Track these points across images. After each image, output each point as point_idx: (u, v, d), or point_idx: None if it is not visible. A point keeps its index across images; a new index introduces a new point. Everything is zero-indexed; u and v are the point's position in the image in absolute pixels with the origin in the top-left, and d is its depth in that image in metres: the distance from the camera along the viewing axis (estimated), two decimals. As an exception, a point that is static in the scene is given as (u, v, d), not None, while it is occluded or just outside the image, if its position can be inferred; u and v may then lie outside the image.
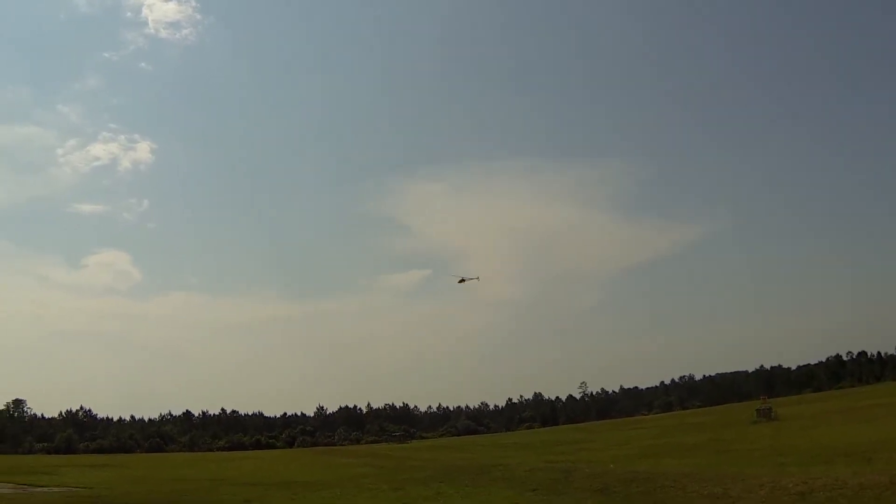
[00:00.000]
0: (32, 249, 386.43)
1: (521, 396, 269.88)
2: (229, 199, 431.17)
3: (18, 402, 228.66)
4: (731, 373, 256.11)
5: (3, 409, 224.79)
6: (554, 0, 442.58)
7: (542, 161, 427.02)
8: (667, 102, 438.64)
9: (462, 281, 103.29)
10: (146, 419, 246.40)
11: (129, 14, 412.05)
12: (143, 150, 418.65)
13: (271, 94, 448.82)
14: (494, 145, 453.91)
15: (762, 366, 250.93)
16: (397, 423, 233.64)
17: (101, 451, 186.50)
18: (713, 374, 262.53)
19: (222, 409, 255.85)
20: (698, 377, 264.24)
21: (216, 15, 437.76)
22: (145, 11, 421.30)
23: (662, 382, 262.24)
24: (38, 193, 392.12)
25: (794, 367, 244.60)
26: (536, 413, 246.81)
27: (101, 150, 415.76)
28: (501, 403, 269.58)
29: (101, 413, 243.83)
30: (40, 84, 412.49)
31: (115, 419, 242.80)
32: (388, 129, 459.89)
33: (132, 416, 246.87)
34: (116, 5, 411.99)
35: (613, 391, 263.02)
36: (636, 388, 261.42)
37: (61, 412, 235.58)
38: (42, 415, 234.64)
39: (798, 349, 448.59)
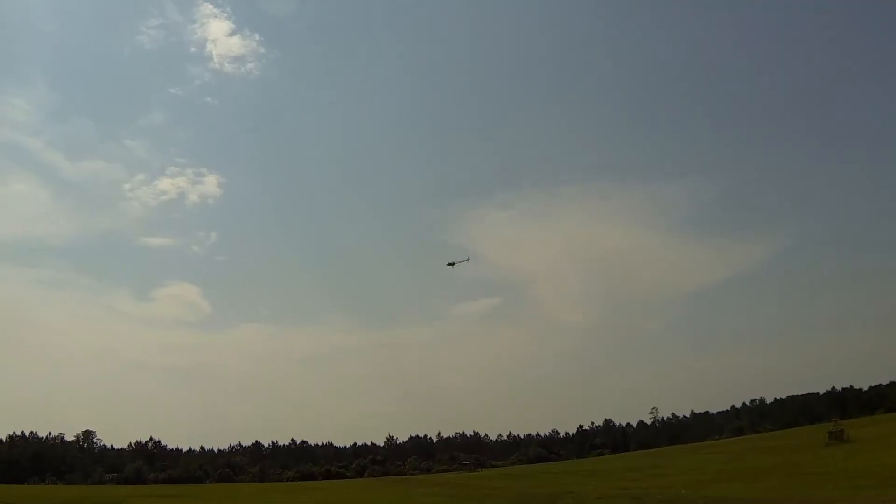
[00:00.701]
0: (103, 283, 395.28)
1: (592, 423, 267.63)
2: (297, 229, 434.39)
3: (88, 434, 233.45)
4: (801, 395, 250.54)
5: (73, 440, 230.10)
6: (610, 25, 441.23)
7: (607, 185, 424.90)
8: (728, 122, 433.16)
9: (452, 264, 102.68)
10: (216, 450, 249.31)
11: (193, 49, 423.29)
12: (211, 183, 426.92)
13: (336, 125, 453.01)
14: (560, 171, 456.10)
15: (833, 387, 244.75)
16: (468, 451, 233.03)
17: (170, 481, 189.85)
18: (783, 396, 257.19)
19: (292, 440, 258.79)
20: (769, 400, 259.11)
21: (280, 49, 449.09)
22: (210, 46, 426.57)
23: (733, 406, 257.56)
24: (108, 227, 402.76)
25: (865, 388, 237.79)
26: (607, 440, 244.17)
27: (168, 185, 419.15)
28: (572, 430, 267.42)
29: (170, 444, 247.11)
30: (107, 120, 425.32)
31: (184, 450, 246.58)
32: (454, 158, 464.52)
33: (202, 447, 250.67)
34: (181, 41, 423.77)
35: (684, 416, 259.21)
36: (707, 412, 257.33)
37: (131, 443, 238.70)
38: (112, 446, 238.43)
39: (869, 369, 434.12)
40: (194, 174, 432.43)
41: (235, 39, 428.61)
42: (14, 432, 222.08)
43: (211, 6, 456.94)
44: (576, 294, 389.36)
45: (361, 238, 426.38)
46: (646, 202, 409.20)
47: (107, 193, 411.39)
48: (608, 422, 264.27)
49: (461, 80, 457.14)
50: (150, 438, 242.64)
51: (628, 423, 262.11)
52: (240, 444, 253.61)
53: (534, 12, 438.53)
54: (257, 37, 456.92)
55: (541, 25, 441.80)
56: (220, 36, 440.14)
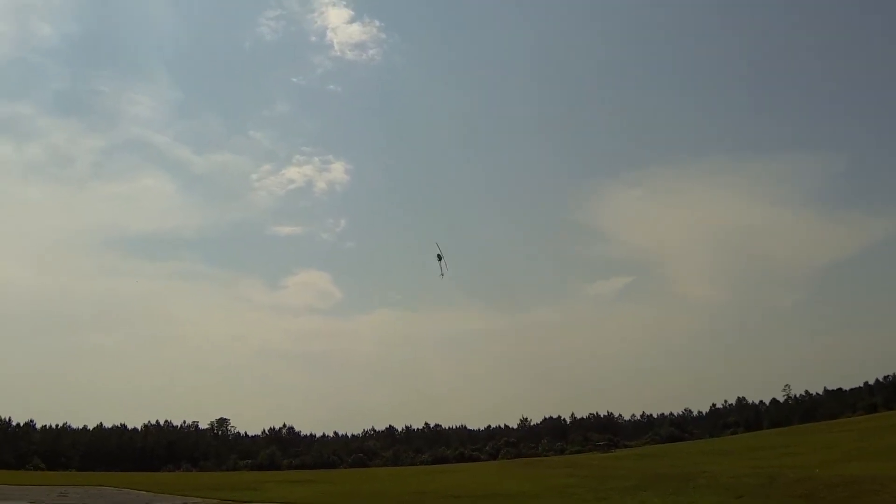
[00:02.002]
0: (234, 272, 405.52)
1: (725, 401, 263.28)
2: (426, 213, 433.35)
3: (223, 421, 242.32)
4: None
5: (207, 428, 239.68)
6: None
7: (735, 159, 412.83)
8: (854, 90, 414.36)
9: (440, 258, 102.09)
10: (349, 435, 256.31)
11: (313, 38, 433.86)
12: (338, 170, 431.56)
13: (460, 107, 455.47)
14: (687, 147, 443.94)
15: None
16: (601, 432, 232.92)
17: (303, 467, 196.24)
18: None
19: (426, 424, 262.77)
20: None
21: (400, 33, 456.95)
22: (330, 35, 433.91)
23: (866, 383, 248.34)
24: (237, 218, 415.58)
25: None
26: (740, 418, 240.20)
27: (295, 173, 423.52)
28: (705, 409, 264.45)
29: (304, 430, 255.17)
30: (232, 113, 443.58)
31: (318, 436, 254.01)
32: (580, 138, 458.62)
33: (335, 433, 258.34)
34: (300, 31, 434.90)
35: (817, 393, 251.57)
36: (840, 389, 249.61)
37: (264, 430, 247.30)
38: (245, 433, 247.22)
39: None
40: (321, 162, 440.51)
41: (355, 27, 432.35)
42: (149, 421, 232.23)
43: None
44: (706, 271, 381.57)
45: (489, 220, 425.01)
46: (774, 175, 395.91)
47: (235, 185, 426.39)
48: (741, 400, 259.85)
49: (583, 58, 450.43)
50: (284, 425, 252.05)
51: (761, 401, 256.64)
52: (373, 429, 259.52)
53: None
54: (377, 23, 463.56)
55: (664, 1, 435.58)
56: (339, 24, 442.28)
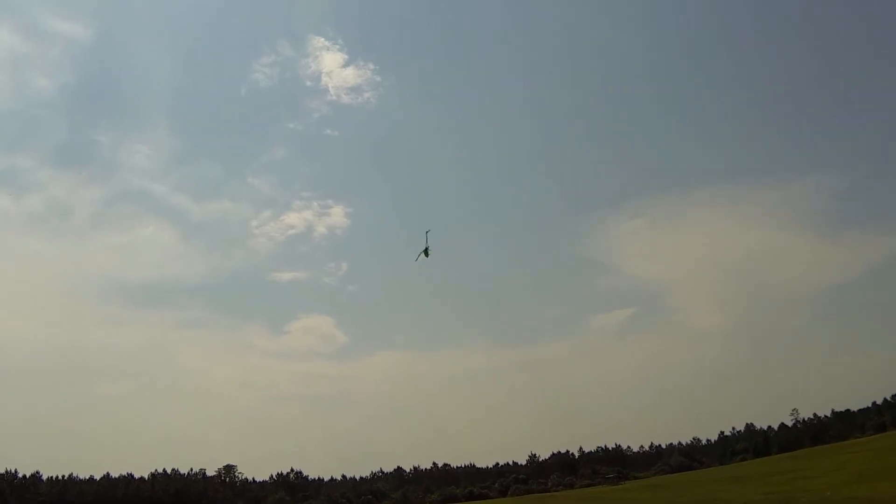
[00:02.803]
0: (237, 319, 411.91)
1: (734, 428, 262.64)
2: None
3: (230, 468, 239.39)
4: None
5: (214, 475, 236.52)
6: (727, 26, 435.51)
7: (735, 186, 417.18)
8: (850, 113, 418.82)
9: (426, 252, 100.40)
10: (357, 477, 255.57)
11: (308, 83, 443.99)
12: (338, 214, 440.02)
13: (459, 146, 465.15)
14: (689, 176, 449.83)
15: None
16: (610, 464, 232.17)
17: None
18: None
19: (434, 463, 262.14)
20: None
21: (395, 75, 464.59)
22: (325, 79, 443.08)
23: (874, 403, 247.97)
24: (239, 265, 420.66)
25: None
26: (749, 444, 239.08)
27: (295, 219, 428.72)
28: (713, 437, 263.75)
29: (312, 474, 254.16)
30: (230, 160, 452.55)
31: (326, 479, 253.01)
32: (582, 171, 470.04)
33: (343, 476, 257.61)
34: (295, 76, 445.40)
35: (826, 415, 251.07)
36: (848, 410, 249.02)
37: (272, 475, 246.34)
38: (253, 478, 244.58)
39: None
40: (320, 206, 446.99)
41: (350, 70, 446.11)
42: (156, 470, 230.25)
43: (323, 39, 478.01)
44: (710, 298, 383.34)
45: (492, 257, 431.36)
46: (775, 201, 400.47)
47: (235, 232, 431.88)
48: (749, 426, 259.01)
49: (580, 91, 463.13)
50: (292, 469, 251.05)
51: (769, 426, 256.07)
52: (381, 471, 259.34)
53: (652, 18, 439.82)
54: (371, 66, 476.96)
55: (660, 31, 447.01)
56: (334, 68, 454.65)
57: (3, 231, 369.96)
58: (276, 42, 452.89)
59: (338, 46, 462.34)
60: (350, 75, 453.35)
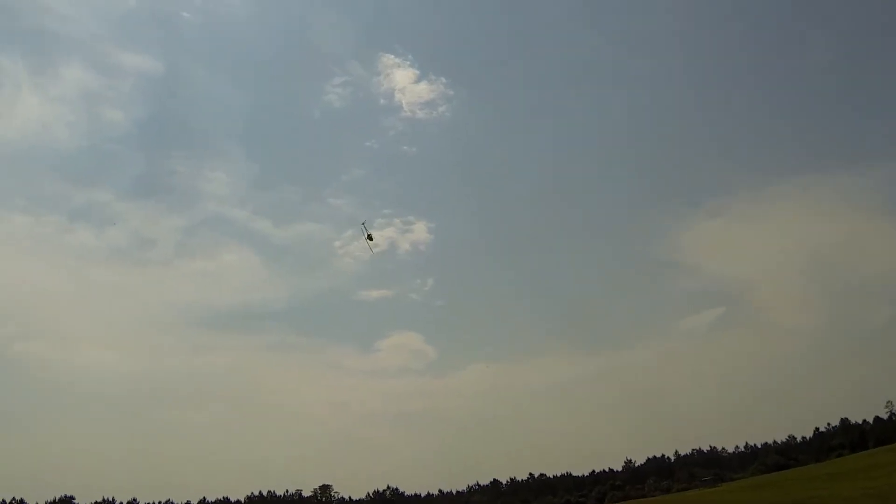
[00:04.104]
0: (325, 340, 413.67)
1: (829, 424, 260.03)
2: (511, 263, 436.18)
3: (326, 488, 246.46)
4: None
5: (310, 496, 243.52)
6: (798, 16, 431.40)
7: (816, 177, 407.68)
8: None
9: (370, 238, 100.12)
10: (454, 492, 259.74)
11: (382, 101, 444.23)
12: (420, 229, 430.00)
13: (534, 154, 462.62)
14: (765, 170, 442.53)
15: None
16: (706, 467, 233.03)
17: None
18: None
19: (530, 474, 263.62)
20: None
21: (468, 88, 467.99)
22: (398, 96, 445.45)
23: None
24: (324, 286, 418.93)
25: None
26: (845, 439, 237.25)
27: (378, 237, 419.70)
28: (808, 434, 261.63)
29: (408, 490, 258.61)
30: (309, 182, 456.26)
31: (423, 495, 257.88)
32: (657, 171, 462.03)
33: (440, 490, 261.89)
34: (368, 95, 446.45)
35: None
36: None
37: (369, 493, 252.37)
38: (350, 497, 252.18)
39: None
40: (402, 223, 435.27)
41: (422, 85, 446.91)
42: (252, 492, 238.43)
43: (392, 57, 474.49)
44: (798, 293, 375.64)
45: (574, 264, 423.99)
46: (858, 189, 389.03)
47: (318, 253, 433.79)
48: (844, 421, 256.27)
49: (655, 93, 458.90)
50: (388, 487, 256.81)
51: (864, 420, 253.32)
52: (477, 484, 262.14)
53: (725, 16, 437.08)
54: (443, 79, 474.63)
55: (735, 27, 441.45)
56: (406, 84, 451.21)
57: (86, 264, 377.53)
58: (346, 63, 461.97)
59: (408, 62, 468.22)
60: (423, 90, 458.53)
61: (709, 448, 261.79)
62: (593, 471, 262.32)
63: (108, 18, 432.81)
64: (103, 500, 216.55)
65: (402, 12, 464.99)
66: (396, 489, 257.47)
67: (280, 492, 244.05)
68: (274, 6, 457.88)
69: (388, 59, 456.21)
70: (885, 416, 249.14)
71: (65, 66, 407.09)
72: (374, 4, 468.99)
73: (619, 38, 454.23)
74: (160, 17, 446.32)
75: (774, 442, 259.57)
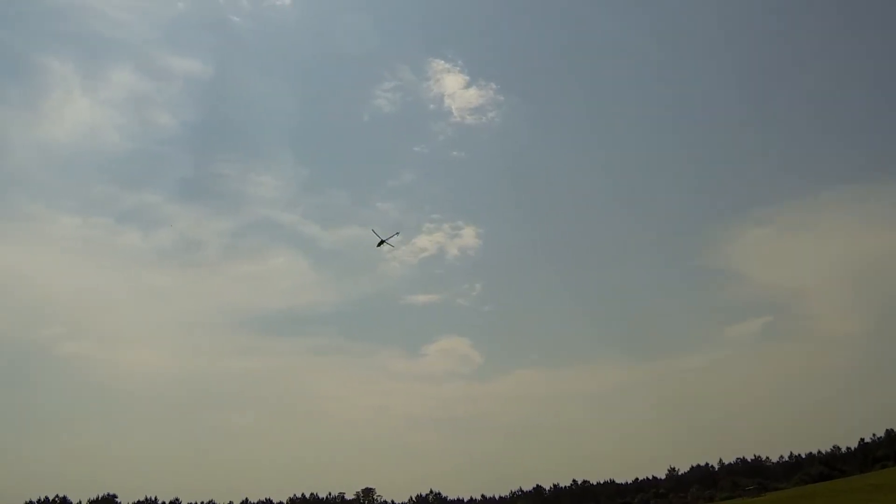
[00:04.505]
0: (373, 343, 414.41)
1: (874, 434, 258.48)
2: (559, 269, 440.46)
3: (369, 491, 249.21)
4: None
5: (353, 499, 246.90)
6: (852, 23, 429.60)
7: (862, 186, 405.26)
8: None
9: (381, 244, 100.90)
10: (497, 497, 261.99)
11: (432, 106, 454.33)
12: (469, 235, 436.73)
13: (584, 160, 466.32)
14: (813, 179, 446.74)
15: None
16: (750, 476, 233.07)
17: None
18: None
19: (573, 481, 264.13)
20: None
21: (517, 94, 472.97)
22: (448, 101, 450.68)
23: None
24: (372, 290, 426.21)
25: None
26: (890, 450, 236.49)
27: (426, 242, 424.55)
28: (853, 444, 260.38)
29: (451, 495, 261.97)
30: (357, 186, 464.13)
31: (465, 500, 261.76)
32: (705, 180, 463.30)
33: (482, 496, 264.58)
34: (417, 100, 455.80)
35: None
36: None
37: (411, 497, 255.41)
38: (392, 501, 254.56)
39: None
40: (451, 228, 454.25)
41: (472, 91, 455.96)
42: (295, 494, 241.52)
43: (442, 62, 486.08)
44: (845, 303, 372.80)
45: (622, 272, 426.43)
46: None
47: (366, 257, 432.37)
48: (889, 432, 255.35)
49: (703, 102, 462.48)
50: (431, 491, 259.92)
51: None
52: (521, 489, 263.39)
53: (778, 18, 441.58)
54: (493, 85, 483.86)
55: (785, 29, 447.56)
56: (456, 90, 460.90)
57: (134, 266, 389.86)
58: (396, 67, 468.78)
59: (458, 68, 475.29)
60: (472, 96, 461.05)
61: (753, 457, 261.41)
62: (637, 478, 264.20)
63: (157, 23, 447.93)
64: (146, 499, 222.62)
65: (452, 18, 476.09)
66: (439, 493, 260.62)
67: (323, 494, 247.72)
68: (323, 10, 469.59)
69: (439, 64, 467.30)
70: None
71: (115, 70, 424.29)
72: (425, 10, 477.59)
73: (670, 48, 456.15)
74: (209, 22, 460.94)
75: (819, 452, 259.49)
